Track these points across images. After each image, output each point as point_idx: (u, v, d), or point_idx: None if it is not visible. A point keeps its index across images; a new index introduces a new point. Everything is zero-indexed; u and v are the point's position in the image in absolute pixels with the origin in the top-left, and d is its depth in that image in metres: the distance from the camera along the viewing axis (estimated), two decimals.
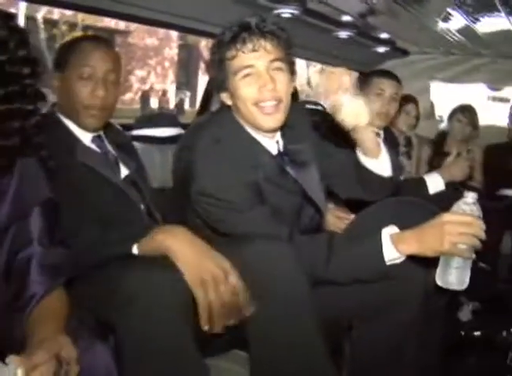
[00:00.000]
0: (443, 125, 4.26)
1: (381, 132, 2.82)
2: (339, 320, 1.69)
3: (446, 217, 1.46)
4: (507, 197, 3.60)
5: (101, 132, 1.80)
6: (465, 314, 2.71)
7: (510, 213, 3.45)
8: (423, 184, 2.50)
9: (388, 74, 2.74)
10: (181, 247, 1.39)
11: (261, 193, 1.66)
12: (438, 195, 2.50)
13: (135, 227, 1.53)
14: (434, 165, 3.67)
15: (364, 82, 2.75)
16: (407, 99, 3.75)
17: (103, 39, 1.85)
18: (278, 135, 1.77)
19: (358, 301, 1.63)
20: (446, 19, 3.30)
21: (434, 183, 2.50)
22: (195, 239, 1.44)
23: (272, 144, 1.75)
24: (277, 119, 1.68)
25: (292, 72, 1.73)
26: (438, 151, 3.89)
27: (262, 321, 1.42)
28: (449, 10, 3.05)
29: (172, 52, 19.34)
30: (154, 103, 18.07)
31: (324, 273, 1.56)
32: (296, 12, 2.81)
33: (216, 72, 1.69)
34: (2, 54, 1.19)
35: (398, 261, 1.53)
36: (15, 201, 1.26)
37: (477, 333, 2.56)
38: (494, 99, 5.40)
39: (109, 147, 1.81)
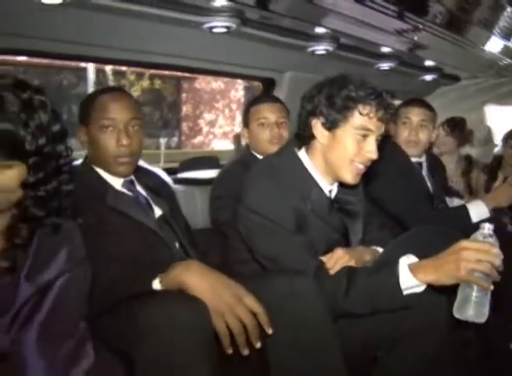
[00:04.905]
0: (497, 149, 4.16)
1: (423, 160, 2.80)
2: (364, 352, 1.69)
3: (463, 243, 1.49)
4: None
5: (132, 176, 1.87)
6: None
7: None
8: (465, 212, 2.46)
9: (414, 102, 2.74)
10: (195, 280, 1.46)
11: (305, 223, 1.73)
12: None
13: (161, 265, 1.57)
14: (489, 191, 3.58)
15: (396, 114, 2.76)
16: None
17: (121, 90, 1.92)
18: (335, 185, 1.86)
19: (381, 333, 1.63)
20: (489, 43, 3.26)
21: (478, 211, 2.45)
22: (208, 271, 1.50)
23: (326, 187, 1.84)
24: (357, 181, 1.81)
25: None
26: (492, 176, 3.81)
27: (284, 354, 1.48)
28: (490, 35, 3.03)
29: (238, 94, 19.59)
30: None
31: (343, 304, 1.59)
32: (330, 48, 2.86)
33: (332, 107, 1.72)
34: (42, 137, 1.18)
35: (417, 290, 1.55)
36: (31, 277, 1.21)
37: None
38: None
39: (141, 190, 1.87)
